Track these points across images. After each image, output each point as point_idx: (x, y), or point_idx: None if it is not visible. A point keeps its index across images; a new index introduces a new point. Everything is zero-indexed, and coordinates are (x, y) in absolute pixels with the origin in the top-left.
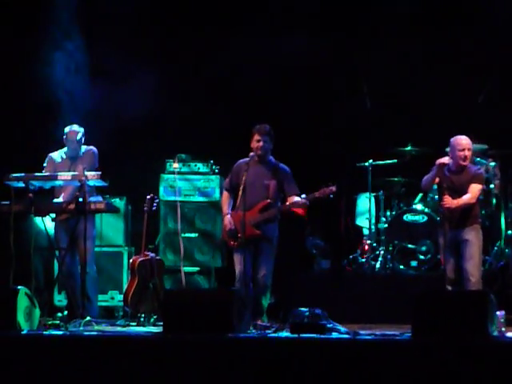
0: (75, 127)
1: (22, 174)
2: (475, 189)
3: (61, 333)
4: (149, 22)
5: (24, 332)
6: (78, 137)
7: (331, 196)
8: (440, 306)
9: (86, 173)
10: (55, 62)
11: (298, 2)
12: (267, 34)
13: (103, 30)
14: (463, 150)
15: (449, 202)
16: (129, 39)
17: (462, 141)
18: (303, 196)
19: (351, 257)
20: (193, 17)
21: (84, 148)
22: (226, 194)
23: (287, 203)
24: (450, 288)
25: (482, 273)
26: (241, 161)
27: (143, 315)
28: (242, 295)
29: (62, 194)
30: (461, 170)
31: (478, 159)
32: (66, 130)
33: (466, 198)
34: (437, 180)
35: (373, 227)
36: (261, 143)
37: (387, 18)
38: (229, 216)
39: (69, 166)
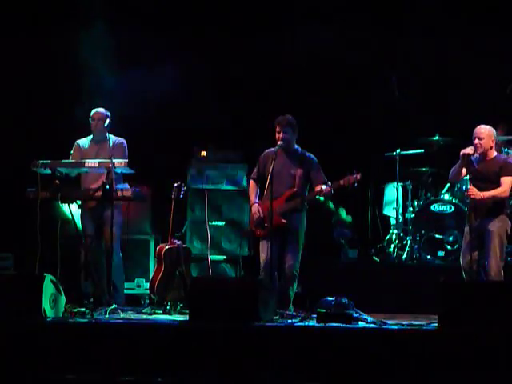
0: (101, 109)
1: (49, 161)
2: (507, 181)
3: (86, 320)
4: (174, 12)
5: (49, 319)
6: (105, 120)
7: (356, 184)
8: (467, 297)
9: (113, 160)
10: (84, 48)
11: None
12: (292, 23)
13: (133, 16)
14: (474, 138)
15: (474, 192)
16: (158, 26)
17: (475, 129)
18: (328, 184)
19: (378, 246)
20: (223, 6)
21: (114, 139)
22: (252, 183)
23: (315, 191)
24: (465, 277)
25: (503, 264)
26: (268, 150)
27: (169, 303)
28: (267, 284)
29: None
30: (488, 158)
31: (506, 150)
32: (93, 111)
33: (497, 192)
34: (464, 172)
35: (400, 217)
36: (281, 134)
37: (416, 7)
38: (257, 204)
39: (96, 152)
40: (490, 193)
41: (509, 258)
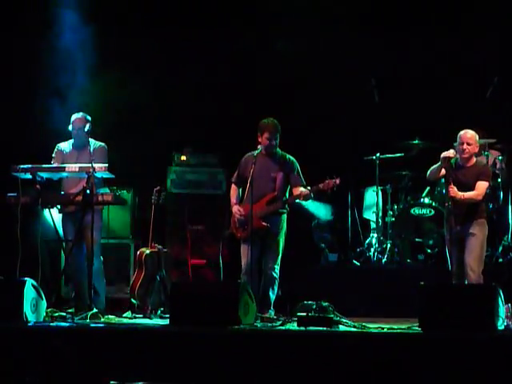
0: (82, 114)
1: (30, 166)
2: (482, 186)
3: (67, 325)
4: (160, 14)
5: (30, 324)
6: (85, 125)
7: (335, 189)
8: (447, 300)
9: (94, 165)
10: (63, 51)
11: None
12: (273, 27)
13: (113, 19)
14: (462, 143)
15: (455, 191)
16: (138, 30)
17: (462, 134)
18: (308, 188)
19: (358, 250)
20: (204, 10)
21: (94, 143)
22: (233, 186)
23: (294, 195)
24: (455, 282)
25: (483, 267)
26: (248, 154)
27: (150, 307)
28: (248, 288)
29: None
30: (468, 164)
31: (487, 153)
32: (73, 117)
33: (473, 194)
34: (443, 172)
35: (380, 221)
36: (272, 142)
37: (396, 13)
38: (237, 205)
39: (76, 156)
40: (468, 194)
41: (488, 261)
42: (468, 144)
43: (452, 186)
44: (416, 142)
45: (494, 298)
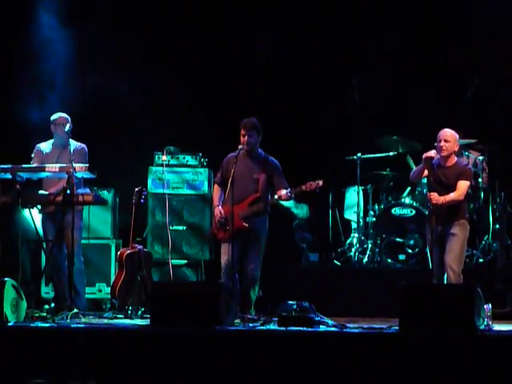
0: (62, 114)
1: (9, 166)
2: (463, 185)
3: (48, 325)
4: (138, 15)
5: (10, 324)
6: (66, 125)
7: (317, 190)
8: (427, 300)
9: (74, 165)
10: (43, 51)
11: None
12: (255, 27)
13: (94, 19)
14: (440, 141)
15: (436, 197)
16: (118, 31)
17: (440, 132)
18: (290, 189)
19: (339, 250)
20: (181, 10)
21: (75, 144)
22: (216, 187)
23: (275, 196)
24: (435, 282)
25: (462, 267)
26: (230, 154)
27: (131, 307)
28: (229, 288)
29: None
30: (448, 164)
31: (467, 153)
32: (53, 117)
33: (454, 195)
34: (425, 173)
35: (361, 221)
36: (246, 138)
37: (376, 10)
38: (219, 207)
39: (57, 156)
40: (449, 196)
41: (469, 262)
42: (445, 141)
43: (431, 193)
44: (395, 138)
45: (474, 298)
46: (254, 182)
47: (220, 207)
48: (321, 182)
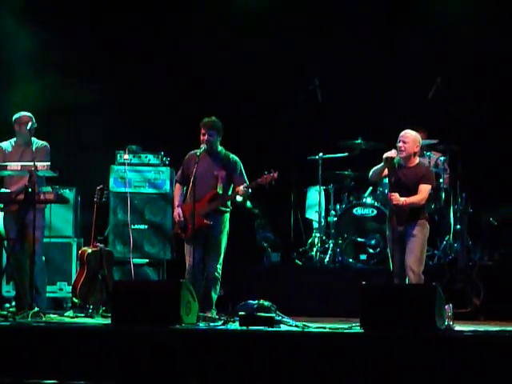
0: (25, 113)
1: None
2: (425, 189)
3: (8, 323)
4: (95, 14)
5: None
6: (28, 124)
7: (273, 183)
8: (388, 300)
9: (36, 163)
10: (2, 51)
11: None
12: (216, 26)
13: (49, 19)
14: (399, 141)
15: (396, 198)
16: (76, 31)
17: (401, 133)
18: (245, 184)
19: (301, 250)
20: (140, 6)
21: (37, 142)
22: (177, 186)
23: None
24: (396, 282)
25: (423, 267)
26: (191, 152)
27: (92, 306)
28: (191, 287)
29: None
30: (409, 165)
31: (429, 153)
32: (16, 116)
33: (416, 199)
34: (385, 172)
35: (323, 220)
36: (206, 137)
37: (340, 11)
38: (179, 208)
39: (19, 155)
40: (411, 199)
41: (430, 262)
42: (404, 142)
43: (392, 194)
44: (359, 141)
45: (435, 298)
46: (214, 180)
47: (179, 208)
48: (276, 175)
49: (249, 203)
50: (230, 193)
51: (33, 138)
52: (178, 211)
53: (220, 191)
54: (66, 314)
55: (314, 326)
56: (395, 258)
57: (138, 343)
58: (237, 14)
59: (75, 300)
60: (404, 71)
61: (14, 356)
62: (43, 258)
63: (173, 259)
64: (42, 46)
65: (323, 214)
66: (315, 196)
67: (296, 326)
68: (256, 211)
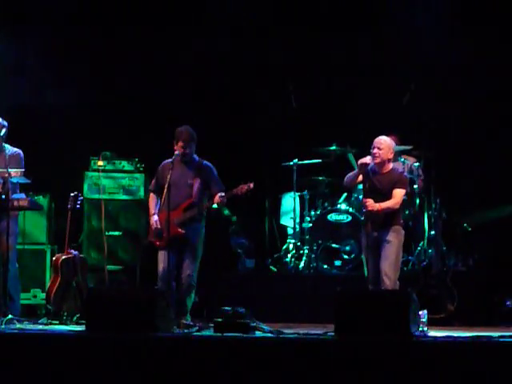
0: None
1: None
2: (399, 194)
3: None
4: (80, 13)
5: None
6: (1, 130)
7: (248, 193)
8: (362, 306)
9: (9, 170)
10: None
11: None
12: (190, 31)
13: (20, 26)
14: (373, 147)
15: (371, 204)
16: (48, 36)
17: (376, 139)
18: (221, 194)
19: (275, 256)
20: (114, 11)
21: (10, 150)
22: (152, 195)
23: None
24: (371, 288)
25: (399, 273)
26: (165, 161)
27: (66, 314)
28: (165, 294)
29: None
30: (383, 171)
31: (403, 159)
32: None
33: (390, 203)
34: (360, 178)
35: (297, 226)
36: (186, 150)
37: (310, 18)
38: (155, 216)
39: None
40: (385, 204)
41: (404, 268)
42: (379, 148)
43: (367, 199)
44: (333, 148)
45: (409, 304)
46: (189, 188)
47: (156, 216)
48: (252, 185)
49: (227, 211)
50: (205, 202)
51: (6, 145)
52: (154, 219)
53: (195, 200)
54: (39, 322)
55: (288, 332)
56: (370, 263)
57: (112, 351)
58: (209, 16)
59: (49, 307)
60: (378, 77)
61: None
62: (16, 265)
63: (147, 266)
64: (17, 51)
65: (298, 220)
66: (290, 202)
67: (271, 332)
68: (234, 219)
